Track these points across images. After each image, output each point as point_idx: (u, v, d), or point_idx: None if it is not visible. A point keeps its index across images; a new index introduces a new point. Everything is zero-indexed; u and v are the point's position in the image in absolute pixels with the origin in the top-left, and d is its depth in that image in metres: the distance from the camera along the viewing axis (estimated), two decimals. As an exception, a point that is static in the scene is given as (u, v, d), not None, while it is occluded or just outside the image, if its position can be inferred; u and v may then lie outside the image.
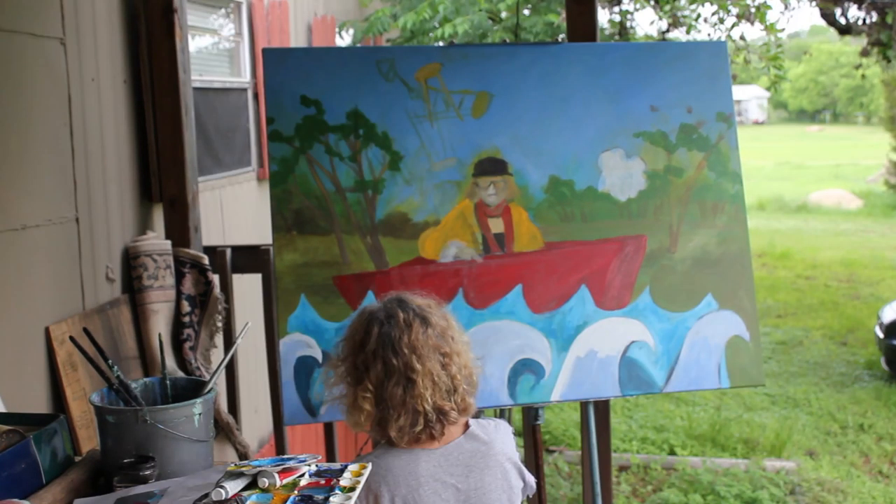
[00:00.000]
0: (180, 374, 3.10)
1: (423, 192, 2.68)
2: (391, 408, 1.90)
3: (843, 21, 8.22)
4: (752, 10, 6.83)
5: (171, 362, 3.05)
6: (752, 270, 2.87)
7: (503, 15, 6.78)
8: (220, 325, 3.24)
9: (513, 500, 1.99)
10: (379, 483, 1.88)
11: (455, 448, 1.94)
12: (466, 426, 1.99)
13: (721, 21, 7.26)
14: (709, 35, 7.66)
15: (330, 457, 3.21)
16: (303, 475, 2.01)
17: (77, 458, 2.10)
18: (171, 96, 3.17)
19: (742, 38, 7.33)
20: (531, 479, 2.04)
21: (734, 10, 7.04)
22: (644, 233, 2.78)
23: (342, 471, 2.02)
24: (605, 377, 2.70)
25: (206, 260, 3.20)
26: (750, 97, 51.28)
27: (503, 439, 2.01)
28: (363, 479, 1.97)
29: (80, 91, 2.80)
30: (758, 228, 16.07)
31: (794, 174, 26.38)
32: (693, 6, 7.39)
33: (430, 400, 1.88)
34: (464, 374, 1.94)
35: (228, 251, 3.32)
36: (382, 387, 1.90)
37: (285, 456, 1.99)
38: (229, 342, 3.31)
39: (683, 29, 7.46)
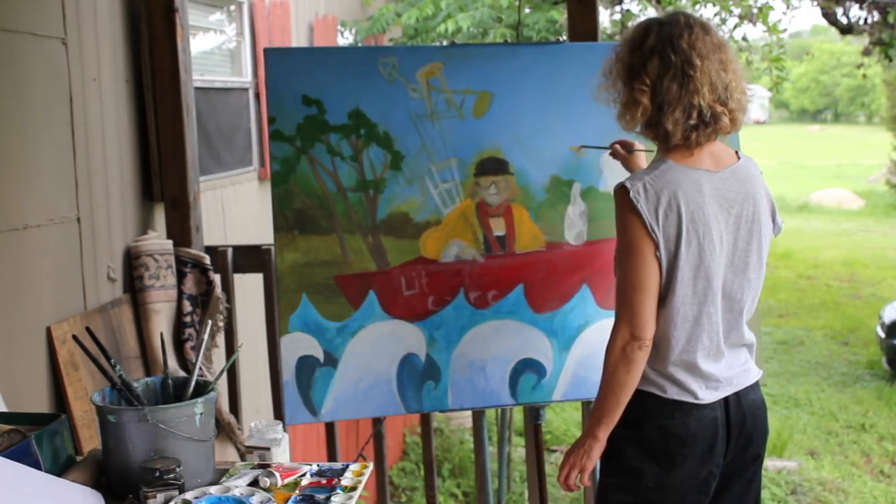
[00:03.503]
0: (182, 373, 3.10)
1: (424, 191, 2.68)
2: (667, 103, 2.00)
3: (844, 20, 8.21)
4: (755, 10, 6.80)
5: (172, 362, 3.05)
6: (754, 270, 2.86)
7: (504, 15, 6.76)
8: (221, 324, 3.25)
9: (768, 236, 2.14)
10: (675, 191, 2.00)
11: (731, 175, 2.08)
12: (737, 156, 2.14)
13: (723, 22, 7.23)
14: (710, 35, 7.61)
15: (331, 456, 3.21)
16: (304, 475, 2.02)
17: (79, 458, 2.11)
18: (173, 96, 3.17)
19: (744, 38, 7.31)
20: (780, 221, 2.20)
21: (736, 11, 7.01)
22: (645, 233, 2.77)
23: (343, 470, 2.03)
24: (606, 377, 2.69)
25: (207, 260, 3.20)
26: (751, 97, 51.08)
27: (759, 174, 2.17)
28: (364, 479, 1.97)
29: (82, 91, 2.80)
30: (759, 228, 16.00)
31: (796, 174, 26.33)
32: (696, 7, 7.36)
33: (706, 96, 1.99)
34: (738, 87, 2.05)
35: (230, 251, 3.32)
36: (660, 80, 2.00)
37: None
38: (231, 342, 3.32)
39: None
